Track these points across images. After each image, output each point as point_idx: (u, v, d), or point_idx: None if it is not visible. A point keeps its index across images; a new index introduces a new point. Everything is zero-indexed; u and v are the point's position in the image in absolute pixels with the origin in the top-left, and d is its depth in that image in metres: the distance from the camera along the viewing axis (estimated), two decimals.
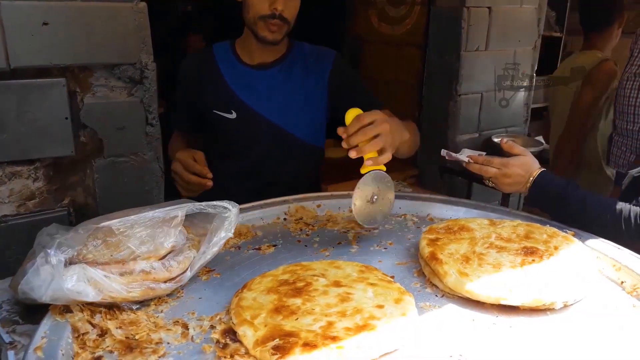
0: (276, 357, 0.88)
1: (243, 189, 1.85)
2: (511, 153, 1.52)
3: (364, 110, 1.40)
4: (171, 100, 2.06)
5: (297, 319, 0.99)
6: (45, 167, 2.11)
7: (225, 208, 1.22)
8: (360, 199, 1.33)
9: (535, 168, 1.48)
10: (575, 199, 1.41)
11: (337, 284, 1.11)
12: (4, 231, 2.06)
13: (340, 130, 1.29)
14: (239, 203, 1.25)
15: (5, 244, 2.03)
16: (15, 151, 2.05)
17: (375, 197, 1.35)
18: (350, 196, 1.57)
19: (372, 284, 1.11)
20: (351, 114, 1.32)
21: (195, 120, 1.94)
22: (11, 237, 2.06)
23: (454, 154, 1.54)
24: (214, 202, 1.22)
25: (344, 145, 1.28)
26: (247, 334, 0.95)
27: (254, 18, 1.68)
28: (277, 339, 0.92)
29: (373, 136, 1.27)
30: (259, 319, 0.99)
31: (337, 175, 2.77)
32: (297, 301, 1.04)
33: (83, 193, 2.19)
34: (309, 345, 0.90)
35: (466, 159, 1.53)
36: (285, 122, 1.82)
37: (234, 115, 1.82)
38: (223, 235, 1.20)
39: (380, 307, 1.02)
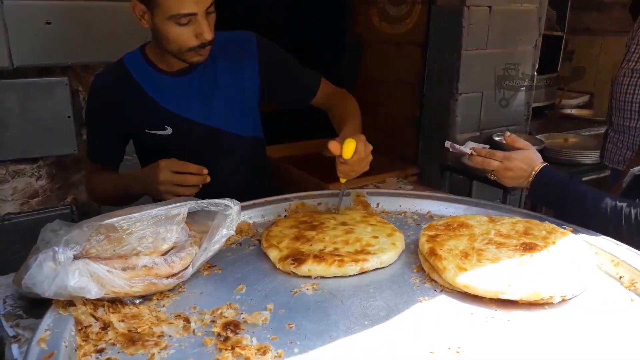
0: (293, 265, 1.21)
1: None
2: (514, 147, 1.52)
3: (304, 86, 1.77)
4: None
5: (311, 244, 1.30)
6: (48, 166, 2.13)
7: (226, 206, 1.23)
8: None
9: (538, 162, 1.48)
10: (576, 194, 1.41)
11: (344, 223, 1.43)
12: (8, 229, 2.08)
13: (340, 163, 1.47)
14: None
15: (9, 241, 2.05)
16: (18, 149, 2.07)
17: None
18: (350, 194, 1.60)
19: (371, 224, 1.42)
20: (349, 147, 1.43)
21: (119, 149, 1.74)
22: (15, 235, 2.08)
23: (457, 146, 1.55)
24: (216, 200, 1.23)
25: (341, 175, 1.50)
26: (273, 254, 1.28)
27: (179, 50, 1.52)
28: (296, 256, 1.24)
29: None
30: (282, 243, 1.31)
31: (335, 173, 2.77)
32: (312, 233, 1.36)
33: (86, 191, 2.21)
34: (318, 258, 1.22)
35: (469, 151, 1.54)
36: (224, 123, 1.70)
37: (169, 131, 1.65)
38: (224, 232, 1.21)
39: (375, 237, 1.34)
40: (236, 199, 1.25)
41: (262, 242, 1.34)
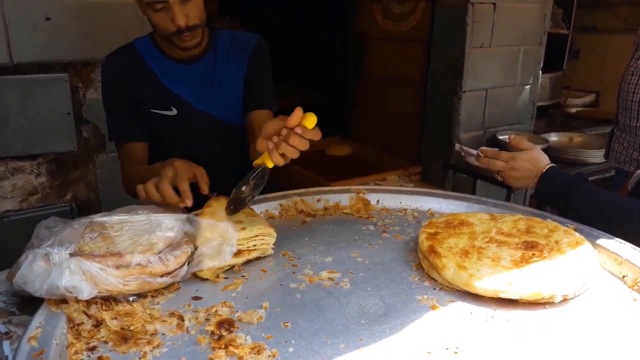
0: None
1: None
2: (519, 148, 1.52)
3: (250, 104, 1.78)
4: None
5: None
6: (47, 163, 2.12)
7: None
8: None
9: (544, 163, 1.48)
10: (581, 193, 1.40)
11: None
12: (7, 226, 2.07)
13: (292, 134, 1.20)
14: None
15: (8, 238, 2.04)
16: (18, 146, 2.06)
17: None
18: (350, 191, 1.58)
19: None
20: (312, 117, 1.22)
21: (138, 123, 1.77)
22: (14, 232, 2.07)
23: (466, 148, 1.58)
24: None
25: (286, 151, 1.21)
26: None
27: (165, 35, 1.61)
28: None
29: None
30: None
31: (338, 172, 2.77)
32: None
33: (85, 188, 2.20)
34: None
35: (476, 153, 1.55)
36: (221, 112, 1.79)
37: (174, 112, 1.75)
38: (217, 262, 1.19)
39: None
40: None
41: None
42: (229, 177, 1.53)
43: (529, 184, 1.49)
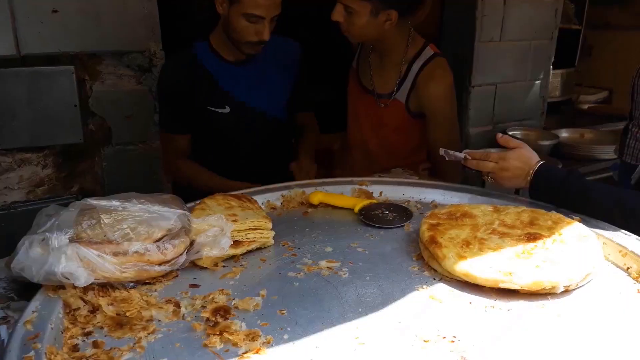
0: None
1: (243, 177, 1.98)
2: (508, 147, 1.48)
3: (296, 107, 2.20)
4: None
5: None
6: (54, 155, 2.13)
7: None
8: None
9: (535, 161, 1.44)
10: (577, 189, 1.37)
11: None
12: (14, 217, 2.08)
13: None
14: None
15: (15, 229, 2.05)
16: (24, 138, 2.07)
17: None
18: (352, 182, 1.57)
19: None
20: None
21: (190, 120, 2.05)
22: (20, 223, 2.08)
23: (451, 152, 1.52)
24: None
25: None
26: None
27: (240, 40, 1.86)
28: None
29: None
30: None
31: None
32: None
33: (91, 180, 2.21)
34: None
35: (463, 156, 1.50)
36: (270, 108, 2.07)
37: (227, 110, 1.99)
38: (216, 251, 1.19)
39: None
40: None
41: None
42: (271, 167, 2.06)
43: (521, 183, 1.45)
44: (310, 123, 2.28)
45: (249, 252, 1.24)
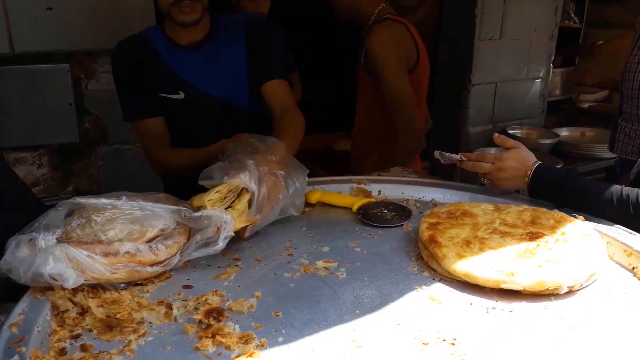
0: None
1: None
2: (504, 147, 1.45)
3: (267, 75, 1.80)
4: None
5: None
6: (49, 154, 2.11)
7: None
8: None
9: (532, 161, 1.41)
10: (576, 188, 1.34)
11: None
12: None
13: None
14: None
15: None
16: (19, 137, 2.05)
17: None
18: (350, 181, 1.55)
19: None
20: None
21: (150, 102, 1.83)
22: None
23: (446, 154, 1.49)
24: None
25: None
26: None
27: (165, 6, 1.67)
28: None
29: None
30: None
31: (344, 167, 2.73)
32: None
33: (87, 180, 2.18)
34: None
35: (459, 157, 1.47)
36: (229, 94, 1.84)
37: (181, 96, 1.82)
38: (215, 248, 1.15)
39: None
40: None
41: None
42: None
43: (519, 184, 1.42)
44: (281, 96, 1.84)
45: (244, 252, 1.22)
